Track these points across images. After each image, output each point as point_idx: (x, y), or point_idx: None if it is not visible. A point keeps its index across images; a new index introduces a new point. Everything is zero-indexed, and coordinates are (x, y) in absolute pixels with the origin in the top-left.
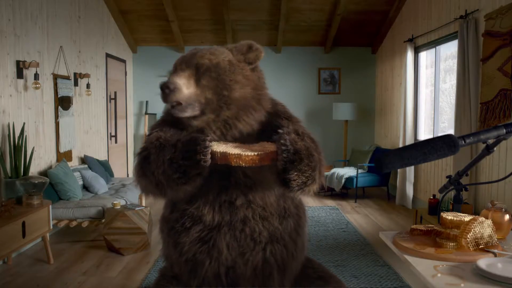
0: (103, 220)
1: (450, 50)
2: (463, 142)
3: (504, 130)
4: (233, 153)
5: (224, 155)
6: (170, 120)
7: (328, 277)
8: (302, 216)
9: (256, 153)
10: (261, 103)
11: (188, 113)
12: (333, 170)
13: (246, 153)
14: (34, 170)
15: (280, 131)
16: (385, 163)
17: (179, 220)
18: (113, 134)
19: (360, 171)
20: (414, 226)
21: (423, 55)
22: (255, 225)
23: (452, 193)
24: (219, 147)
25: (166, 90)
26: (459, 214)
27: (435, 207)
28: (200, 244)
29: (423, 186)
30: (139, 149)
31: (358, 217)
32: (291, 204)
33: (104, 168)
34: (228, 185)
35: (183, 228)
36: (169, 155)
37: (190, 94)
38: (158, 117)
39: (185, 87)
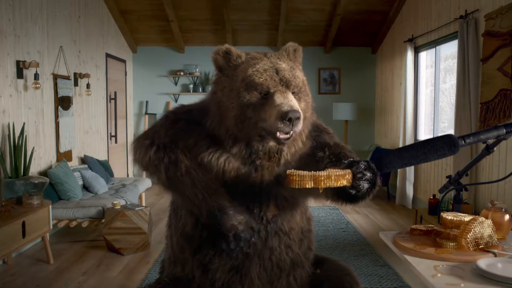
0: (103, 220)
1: (450, 50)
2: (463, 142)
3: (504, 130)
4: (321, 175)
5: (314, 177)
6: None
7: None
8: (312, 229)
9: (342, 173)
10: (312, 116)
11: (292, 137)
12: None
13: (336, 173)
14: (34, 170)
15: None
16: (385, 163)
17: (210, 242)
18: (113, 134)
19: None
20: (414, 226)
21: (423, 55)
22: (280, 253)
23: (452, 193)
24: (301, 172)
25: (296, 120)
26: (459, 214)
27: (435, 207)
28: (233, 272)
29: (423, 186)
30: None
31: (358, 217)
32: (305, 220)
33: (104, 168)
34: (260, 210)
35: (215, 253)
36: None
37: None
38: (158, 117)
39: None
